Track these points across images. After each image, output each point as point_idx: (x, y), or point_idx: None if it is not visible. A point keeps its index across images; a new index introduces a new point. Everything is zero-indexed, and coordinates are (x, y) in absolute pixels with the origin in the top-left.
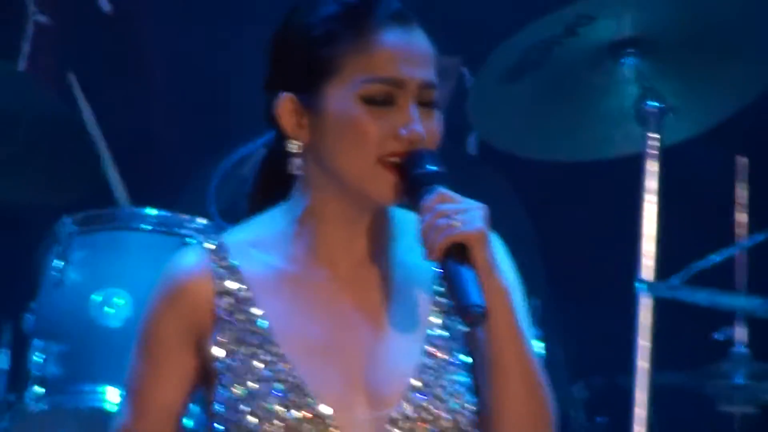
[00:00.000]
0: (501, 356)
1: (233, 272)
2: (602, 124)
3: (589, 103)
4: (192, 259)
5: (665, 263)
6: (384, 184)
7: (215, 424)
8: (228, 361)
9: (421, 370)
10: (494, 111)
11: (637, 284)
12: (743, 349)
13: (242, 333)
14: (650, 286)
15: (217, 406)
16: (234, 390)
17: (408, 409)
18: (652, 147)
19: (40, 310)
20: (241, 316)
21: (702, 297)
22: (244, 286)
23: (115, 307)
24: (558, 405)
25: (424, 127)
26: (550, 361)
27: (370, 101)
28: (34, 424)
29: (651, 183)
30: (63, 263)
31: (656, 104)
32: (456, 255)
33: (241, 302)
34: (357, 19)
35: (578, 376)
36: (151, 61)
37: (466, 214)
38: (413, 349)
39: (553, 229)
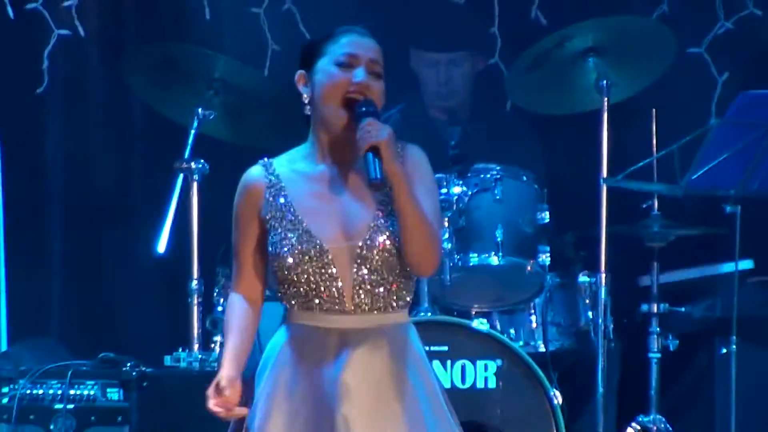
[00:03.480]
0: (402, 210)
1: (275, 176)
2: (579, 93)
3: (571, 82)
4: (254, 170)
5: (614, 167)
6: (342, 116)
7: (273, 265)
8: (272, 222)
9: (373, 220)
10: (520, 88)
11: (600, 179)
12: (657, 212)
13: (280, 208)
14: (606, 180)
15: (269, 249)
16: (275, 236)
17: (368, 239)
18: (605, 105)
19: None
20: (279, 199)
21: (634, 185)
22: (280, 183)
23: None
24: (556, 247)
25: (371, 85)
26: (553, 225)
27: (338, 64)
28: None
29: (604, 125)
30: None
31: (605, 82)
32: (373, 153)
33: (278, 191)
34: (339, 32)
35: (569, 229)
36: None
37: (379, 131)
38: (370, 209)
39: (556, 152)
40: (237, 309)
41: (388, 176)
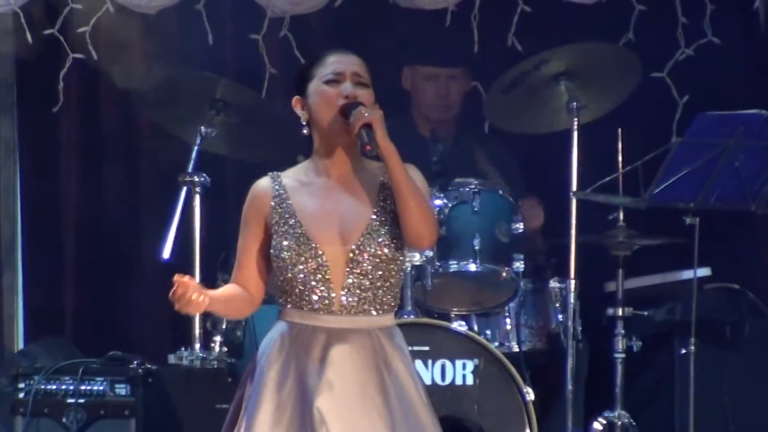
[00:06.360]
0: (396, 182)
1: (281, 186)
2: (551, 113)
3: (545, 103)
4: (263, 181)
5: (583, 182)
6: (341, 125)
7: (273, 265)
8: (276, 227)
9: (369, 225)
10: (497, 108)
11: (570, 193)
12: (622, 223)
13: (283, 214)
14: (575, 193)
15: (271, 251)
16: (277, 238)
17: (361, 244)
18: (575, 124)
19: None
20: (283, 206)
21: (601, 198)
22: (285, 192)
23: None
24: (529, 255)
25: (358, 95)
26: (526, 229)
27: (328, 82)
28: None
29: (574, 143)
30: None
31: (575, 103)
32: (366, 129)
33: (284, 199)
34: (323, 55)
35: (546, 237)
36: None
37: (371, 112)
38: (366, 215)
39: (530, 167)
40: (226, 286)
41: (380, 151)
